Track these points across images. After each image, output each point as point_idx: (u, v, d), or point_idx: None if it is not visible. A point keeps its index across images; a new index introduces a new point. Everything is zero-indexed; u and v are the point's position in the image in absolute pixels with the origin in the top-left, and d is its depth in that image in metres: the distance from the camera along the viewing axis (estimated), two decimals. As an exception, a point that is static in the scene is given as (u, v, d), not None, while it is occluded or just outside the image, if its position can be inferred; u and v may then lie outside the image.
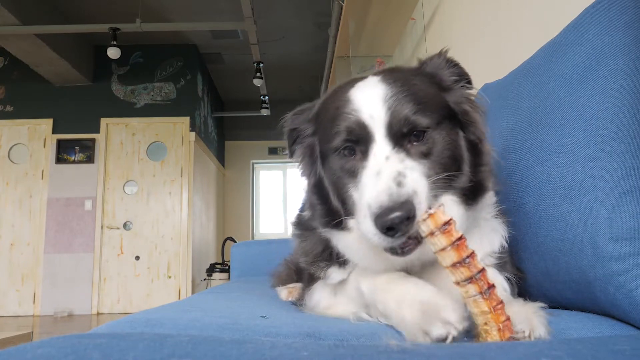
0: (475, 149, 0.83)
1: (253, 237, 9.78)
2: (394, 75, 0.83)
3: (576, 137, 0.84)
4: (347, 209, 0.82)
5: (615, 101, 0.78)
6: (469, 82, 0.90)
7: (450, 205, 0.77)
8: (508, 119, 1.11)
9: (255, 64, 6.84)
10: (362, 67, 3.67)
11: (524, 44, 1.76)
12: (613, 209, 0.75)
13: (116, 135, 7.21)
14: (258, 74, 6.84)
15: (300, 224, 1.06)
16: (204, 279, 7.16)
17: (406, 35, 3.70)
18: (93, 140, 7.08)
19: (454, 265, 0.63)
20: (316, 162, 0.91)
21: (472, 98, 0.88)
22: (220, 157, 9.61)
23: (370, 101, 0.79)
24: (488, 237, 0.89)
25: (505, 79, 1.24)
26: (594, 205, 0.78)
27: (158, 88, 7.37)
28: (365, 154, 0.78)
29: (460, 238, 0.63)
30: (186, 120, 7.27)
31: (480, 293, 0.62)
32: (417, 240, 0.71)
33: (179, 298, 6.74)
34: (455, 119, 0.84)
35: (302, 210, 1.08)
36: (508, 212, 1.02)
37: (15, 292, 6.67)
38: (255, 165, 10.30)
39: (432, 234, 0.64)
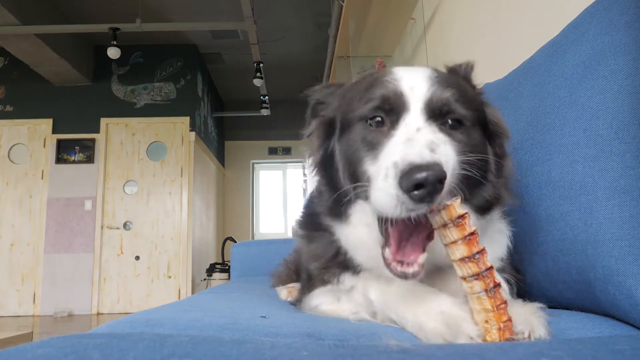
0: (498, 162, 0.83)
1: (253, 237, 9.78)
2: (437, 70, 0.83)
3: (576, 137, 0.84)
4: (357, 191, 0.76)
5: (615, 101, 0.78)
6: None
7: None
8: (508, 119, 1.11)
9: (255, 64, 6.84)
10: (362, 67, 3.67)
11: (524, 44, 1.76)
12: (613, 209, 0.75)
13: (116, 135, 7.20)
14: (258, 74, 6.84)
15: (306, 224, 1.01)
16: (204, 279, 7.16)
17: (406, 35, 3.70)
18: (93, 140, 7.08)
19: (462, 259, 0.63)
20: (331, 136, 0.86)
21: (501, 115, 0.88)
22: (220, 157, 9.61)
23: (414, 76, 0.76)
24: (496, 239, 0.88)
25: (505, 79, 1.24)
26: (594, 205, 0.78)
27: (158, 88, 7.37)
28: (395, 124, 0.73)
29: (472, 233, 0.62)
30: (186, 120, 7.27)
31: (486, 290, 0.62)
32: (422, 265, 0.67)
33: (179, 298, 6.73)
34: (486, 128, 0.83)
35: (307, 207, 1.03)
36: (510, 212, 1.02)
37: (15, 292, 6.67)
38: (255, 165, 10.30)
39: (445, 225, 0.63)
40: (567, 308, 0.90)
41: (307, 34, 7.25)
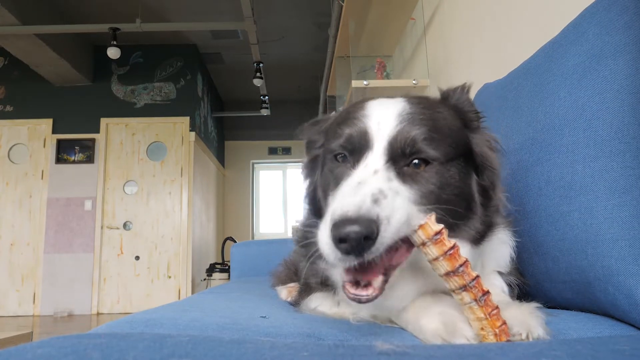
0: (486, 193, 0.80)
1: (253, 237, 9.78)
2: (419, 99, 0.80)
3: (576, 137, 0.84)
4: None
5: (615, 101, 0.78)
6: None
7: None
8: (508, 119, 1.11)
9: (255, 64, 6.84)
10: (362, 67, 3.67)
11: (524, 44, 1.76)
12: (613, 209, 0.75)
13: (116, 135, 7.20)
14: (258, 74, 6.84)
15: (302, 240, 1.04)
16: (204, 279, 7.16)
17: (406, 35, 3.70)
18: (93, 140, 7.08)
19: (447, 274, 0.63)
20: (316, 170, 0.89)
21: (495, 142, 0.84)
22: (220, 157, 9.61)
23: (383, 111, 0.75)
24: (498, 250, 0.88)
25: (505, 79, 1.24)
26: (594, 205, 0.78)
27: (158, 88, 7.37)
28: (357, 162, 0.72)
29: (452, 247, 0.63)
30: (186, 120, 7.27)
31: (475, 300, 0.63)
32: (379, 289, 0.64)
33: (179, 298, 6.73)
34: (471, 159, 0.80)
35: (303, 224, 1.06)
36: (516, 221, 1.02)
37: (15, 292, 6.67)
38: (255, 165, 10.30)
39: (424, 244, 0.64)
40: (567, 308, 0.90)
41: (307, 34, 7.24)
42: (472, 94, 1.50)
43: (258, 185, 10.34)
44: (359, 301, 0.63)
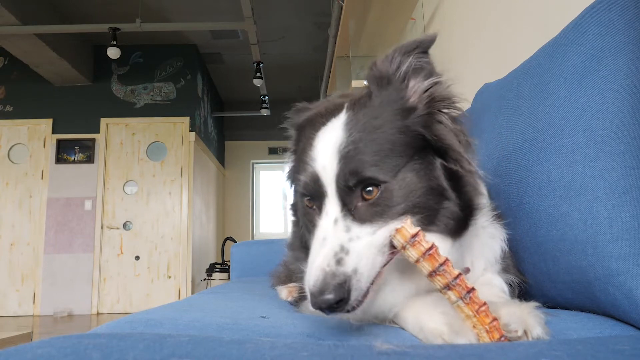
0: (455, 174, 0.76)
1: (253, 237, 9.78)
2: (358, 115, 0.77)
3: (576, 137, 0.84)
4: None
5: (615, 101, 0.78)
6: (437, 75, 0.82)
7: (437, 239, 0.72)
8: (508, 119, 1.11)
9: (255, 64, 6.84)
10: (362, 67, 3.67)
11: (524, 44, 1.76)
12: (613, 209, 0.75)
13: (116, 135, 7.20)
14: (258, 74, 6.84)
15: (292, 245, 1.05)
16: (204, 279, 7.16)
17: (406, 35, 3.70)
18: (93, 140, 7.08)
19: (430, 274, 0.65)
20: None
21: (447, 111, 0.79)
22: (220, 157, 9.61)
23: (325, 150, 0.74)
24: (488, 244, 0.89)
25: (505, 79, 1.24)
26: (594, 205, 0.78)
27: (158, 88, 7.38)
28: (320, 209, 0.74)
29: (431, 248, 0.64)
30: (186, 120, 7.27)
31: (461, 298, 0.63)
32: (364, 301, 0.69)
33: (179, 298, 6.73)
34: (428, 147, 0.76)
35: (293, 231, 1.07)
36: (505, 214, 1.02)
37: (15, 292, 6.67)
38: (255, 165, 10.30)
39: (403, 247, 0.65)
40: (567, 308, 0.90)
41: (307, 34, 7.24)
42: (472, 94, 1.50)
43: (258, 185, 10.34)
44: (322, 310, 0.67)
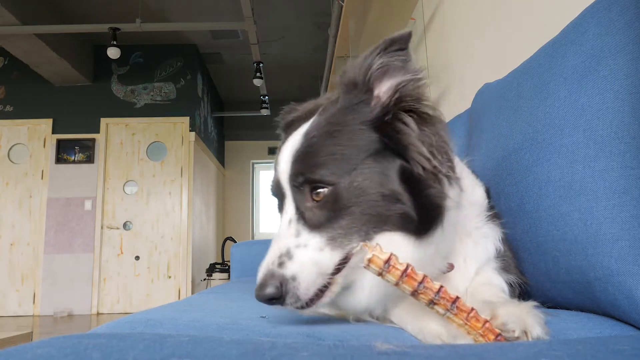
0: (416, 176, 0.74)
1: (253, 237, 9.78)
2: (320, 119, 0.79)
3: (576, 137, 0.84)
4: None
5: (615, 101, 0.78)
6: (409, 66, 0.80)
7: (398, 245, 0.73)
8: (508, 119, 1.11)
9: (255, 64, 6.84)
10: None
11: (524, 44, 1.76)
12: (613, 209, 0.75)
13: (116, 135, 7.20)
14: (258, 74, 6.84)
15: None
16: (204, 279, 7.16)
17: (406, 35, 3.70)
18: (93, 140, 7.08)
19: (412, 294, 0.65)
20: None
21: (416, 109, 0.77)
22: (220, 157, 9.61)
23: (285, 154, 0.78)
24: (481, 244, 0.89)
25: (505, 79, 1.24)
26: (594, 205, 0.78)
27: (158, 88, 7.37)
28: (282, 210, 0.79)
29: (406, 269, 0.64)
30: (186, 120, 7.27)
31: (448, 310, 0.63)
32: (320, 293, 0.73)
33: (179, 298, 6.73)
34: (388, 148, 0.76)
35: None
36: (502, 214, 1.02)
37: (15, 292, 6.67)
38: (255, 165, 10.30)
39: (380, 274, 0.65)
40: (567, 308, 0.90)
41: (307, 34, 7.24)
42: (472, 94, 1.50)
43: (258, 185, 10.34)
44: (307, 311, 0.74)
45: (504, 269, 0.91)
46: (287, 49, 7.64)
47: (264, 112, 8.18)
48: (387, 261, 0.64)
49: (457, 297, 0.64)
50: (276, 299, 0.71)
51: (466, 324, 0.63)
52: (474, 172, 1.05)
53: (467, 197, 0.89)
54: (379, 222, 0.73)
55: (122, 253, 6.92)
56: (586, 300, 0.83)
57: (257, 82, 6.88)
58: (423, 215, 0.74)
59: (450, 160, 0.78)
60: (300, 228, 0.75)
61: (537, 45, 1.10)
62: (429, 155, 0.74)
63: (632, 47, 0.78)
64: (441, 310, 0.64)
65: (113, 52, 5.83)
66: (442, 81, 2.79)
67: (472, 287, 0.86)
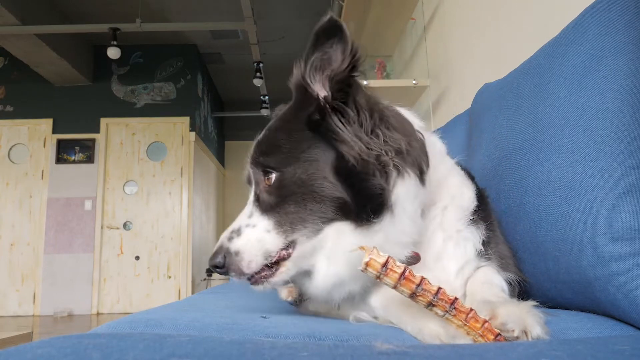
0: (351, 168, 0.78)
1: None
2: (278, 116, 0.91)
3: (576, 137, 0.84)
4: None
5: (615, 101, 0.78)
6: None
7: (343, 232, 0.79)
8: (508, 119, 1.11)
9: (255, 64, 6.83)
10: (362, 67, 3.67)
11: (524, 44, 1.76)
12: (613, 209, 0.75)
13: (116, 135, 7.20)
14: (258, 74, 6.84)
15: None
16: (204, 279, 7.16)
17: (406, 35, 3.70)
18: (93, 140, 7.08)
19: (411, 297, 0.65)
20: None
21: (350, 96, 0.81)
22: (220, 157, 9.61)
23: (253, 147, 0.89)
24: (461, 246, 0.90)
25: (505, 79, 1.24)
26: (594, 205, 0.78)
27: (158, 88, 7.37)
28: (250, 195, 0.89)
29: (404, 272, 0.64)
30: (186, 120, 7.27)
31: (446, 312, 0.63)
32: (269, 270, 0.82)
33: (179, 298, 6.73)
34: (325, 139, 0.81)
35: None
36: (502, 214, 1.02)
37: (15, 292, 6.67)
38: (255, 165, 10.29)
39: (378, 277, 0.65)
40: (567, 308, 0.90)
41: (307, 34, 7.20)
42: (472, 94, 1.50)
43: (258, 185, 10.33)
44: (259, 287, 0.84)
45: (503, 267, 0.91)
46: (287, 49, 7.63)
47: (264, 112, 8.18)
48: (385, 264, 0.64)
49: (456, 299, 0.64)
50: (221, 268, 0.82)
51: (465, 324, 0.63)
52: (468, 171, 1.05)
53: (452, 198, 0.92)
54: (323, 213, 0.79)
55: (122, 253, 6.92)
56: (586, 300, 0.83)
57: (257, 82, 6.88)
58: (361, 204, 0.78)
59: (399, 150, 0.80)
60: (254, 210, 0.85)
61: (537, 45, 1.10)
62: (358, 151, 0.78)
63: (632, 47, 0.78)
64: (440, 312, 0.64)
65: (113, 52, 5.83)
66: (442, 81, 2.79)
67: (472, 286, 0.86)
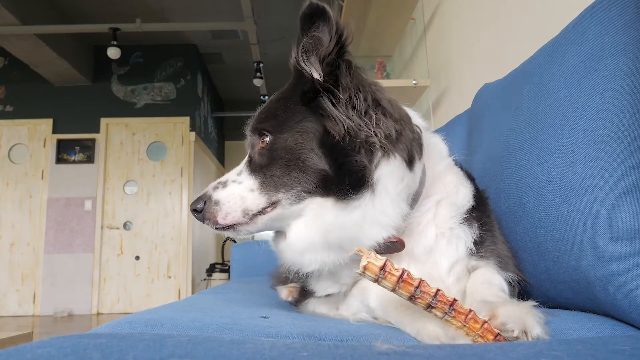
0: (336, 144, 0.82)
1: (253, 237, 9.76)
2: (280, 91, 0.97)
3: (576, 137, 0.84)
4: None
5: (615, 101, 0.78)
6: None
7: (323, 206, 0.83)
8: (508, 119, 1.11)
9: (255, 64, 6.83)
10: (362, 67, 3.67)
11: (524, 44, 1.76)
12: (613, 209, 0.75)
13: (116, 135, 7.20)
14: (258, 74, 6.84)
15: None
16: (204, 279, 7.16)
17: (406, 35, 3.70)
18: (93, 140, 7.08)
19: (410, 299, 0.65)
20: None
21: (341, 75, 0.85)
22: (220, 157, 9.61)
23: (254, 115, 0.96)
24: (453, 244, 0.90)
25: (505, 79, 1.24)
26: (594, 205, 0.78)
27: (158, 88, 7.37)
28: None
29: (402, 274, 0.64)
30: (186, 120, 7.27)
31: (445, 313, 0.63)
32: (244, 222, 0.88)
33: (179, 298, 6.73)
34: (314, 118, 0.86)
35: None
36: (502, 214, 1.02)
37: (15, 292, 6.67)
38: (255, 165, 10.29)
39: (376, 281, 0.65)
40: (567, 308, 0.90)
41: (307, 34, 7.22)
42: (472, 94, 1.50)
43: (258, 185, 10.33)
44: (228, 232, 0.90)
45: (502, 267, 0.91)
46: (287, 49, 7.59)
47: (264, 112, 8.17)
48: (383, 267, 0.64)
49: (455, 300, 0.64)
50: (199, 213, 0.89)
51: (465, 325, 0.63)
52: (469, 173, 1.05)
53: (447, 194, 0.93)
54: (306, 182, 0.83)
55: (122, 253, 6.92)
56: (586, 300, 0.83)
57: (257, 82, 6.88)
58: (342, 178, 0.81)
59: (389, 135, 0.83)
60: (244, 169, 0.91)
61: (537, 45, 1.10)
62: (342, 127, 0.82)
63: (632, 47, 0.78)
64: (439, 314, 0.64)
65: (113, 52, 5.84)
66: (442, 81, 2.79)
67: (471, 286, 0.86)
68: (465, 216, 0.92)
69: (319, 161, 0.82)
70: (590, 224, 0.78)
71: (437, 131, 1.26)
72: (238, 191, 0.87)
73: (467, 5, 2.40)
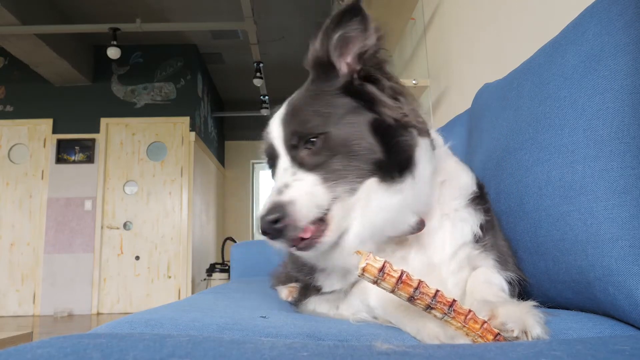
0: (388, 127, 0.84)
1: (253, 237, 9.78)
2: (299, 94, 0.94)
3: (576, 137, 0.84)
4: None
5: (615, 101, 0.78)
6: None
7: (373, 190, 0.82)
8: (508, 119, 1.11)
9: (255, 64, 6.83)
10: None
11: (524, 44, 1.76)
12: (613, 209, 0.75)
13: (116, 135, 7.20)
14: (258, 74, 6.84)
15: None
16: (204, 279, 7.16)
17: (406, 35, 3.70)
18: (93, 140, 7.08)
19: (409, 300, 0.65)
20: None
21: (379, 67, 0.89)
22: (220, 157, 9.61)
23: (275, 123, 0.91)
24: (458, 227, 0.90)
25: (505, 79, 1.24)
26: (594, 205, 0.78)
27: (158, 88, 7.37)
28: (275, 169, 0.90)
29: (401, 276, 0.64)
30: (186, 120, 7.27)
31: (445, 314, 0.63)
32: (318, 228, 0.80)
33: (179, 298, 6.73)
34: (361, 105, 0.87)
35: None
36: (502, 214, 1.02)
37: (15, 292, 6.67)
38: (255, 165, 10.29)
39: (375, 282, 0.65)
40: (567, 308, 0.90)
41: (307, 34, 7.22)
42: (472, 94, 1.50)
43: (258, 185, 10.34)
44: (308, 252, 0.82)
45: (503, 265, 0.91)
46: (287, 49, 7.63)
47: (264, 112, 8.18)
48: (382, 269, 0.64)
49: (454, 300, 0.64)
50: (275, 223, 0.77)
51: (464, 326, 0.63)
52: (469, 166, 1.06)
53: (450, 176, 0.95)
54: (361, 170, 0.82)
55: (122, 253, 6.92)
56: (586, 300, 0.83)
57: (257, 82, 6.88)
58: (393, 161, 0.83)
59: (417, 112, 0.89)
60: (297, 170, 0.85)
61: (537, 45, 1.10)
62: (395, 105, 0.85)
63: (632, 47, 0.78)
64: (439, 315, 0.64)
65: (113, 52, 5.83)
66: (442, 81, 2.79)
67: (471, 285, 0.86)
68: (470, 198, 0.93)
69: (372, 147, 0.83)
70: (590, 224, 0.78)
71: (438, 130, 1.26)
72: (304, 188, 0.82)
73: (467, 5, 2.40)
